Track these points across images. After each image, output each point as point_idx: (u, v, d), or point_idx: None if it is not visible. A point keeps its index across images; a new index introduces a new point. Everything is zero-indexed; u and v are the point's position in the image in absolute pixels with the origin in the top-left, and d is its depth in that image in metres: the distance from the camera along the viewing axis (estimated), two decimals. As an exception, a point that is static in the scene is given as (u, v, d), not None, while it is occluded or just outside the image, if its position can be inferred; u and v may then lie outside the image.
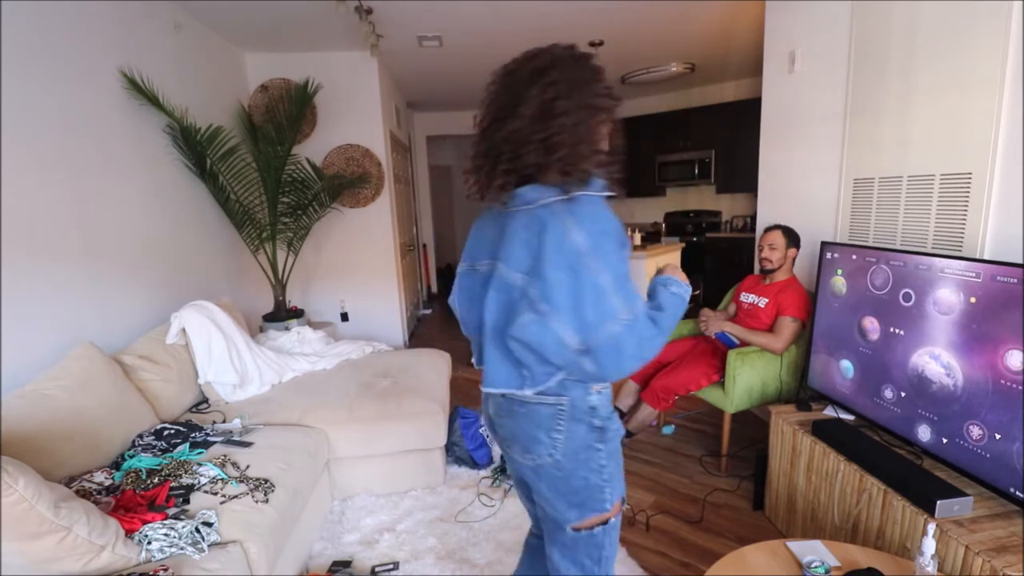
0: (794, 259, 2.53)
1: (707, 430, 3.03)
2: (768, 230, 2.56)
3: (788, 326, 2.42)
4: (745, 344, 2.51)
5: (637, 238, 4.43)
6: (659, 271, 1.16)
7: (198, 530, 1.47)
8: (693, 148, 5.68)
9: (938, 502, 1.46)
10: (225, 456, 1.89)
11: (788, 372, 2.49)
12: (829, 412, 2.10)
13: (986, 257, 1.79)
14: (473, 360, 1.22)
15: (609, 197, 1.03)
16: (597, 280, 0.95)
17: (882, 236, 2.22)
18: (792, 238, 2.51)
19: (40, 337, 1.94)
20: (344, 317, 4.51)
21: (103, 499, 1.55)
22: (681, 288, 1.11)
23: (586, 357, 0.97)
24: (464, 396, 3.45)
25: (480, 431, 2.68)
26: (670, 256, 4.44)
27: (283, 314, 3.61)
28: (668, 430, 3.03)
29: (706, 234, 5.61)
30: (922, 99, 2.02)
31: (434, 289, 7.42)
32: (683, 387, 2.55)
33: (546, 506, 1.17)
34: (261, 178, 3.40)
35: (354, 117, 4.19)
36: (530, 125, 0.99)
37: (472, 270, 1.18)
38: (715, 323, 2.64)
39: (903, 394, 1.80)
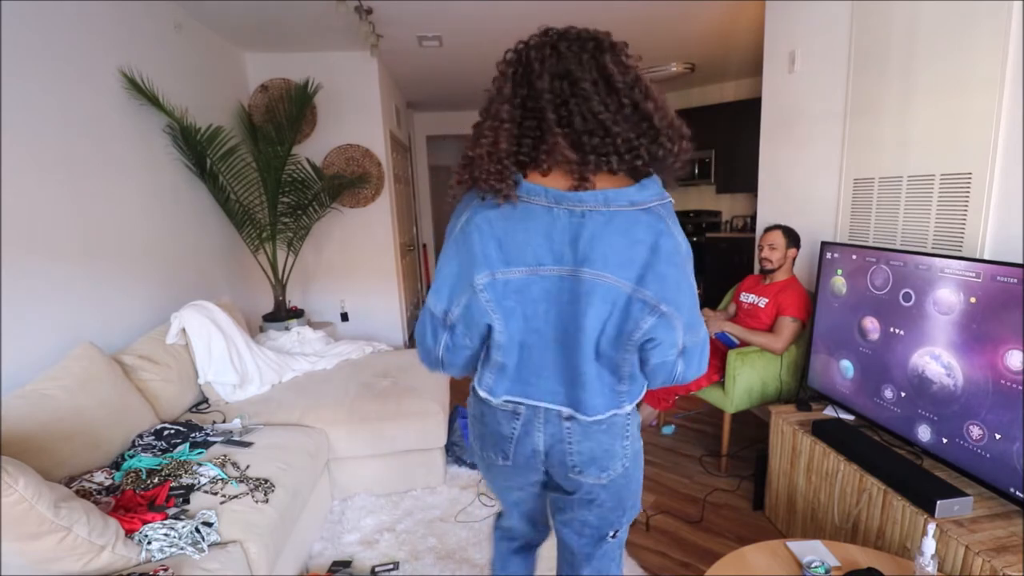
0: (794, 259, 2.53)
1: (707, 430, 3.03)
2: (768, 230, 2.56)
3: (788, 326, 2.42)
4: (745, 344, 2.51)
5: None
6: None
7: (198, 530, 1.47)
8: (693, 148, 5.66)
9: (938, 502, 1.46)
10: (225, 456, 1.89)
11: (788, 372, 2.49)
12: (829, 412, 2.10)
13: (986, 257, 1.79)
14: (488, 382, 1.04)
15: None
16: (693, 283, 0.96)
17: (882, 236, 2.22)
18: (792, 238, 2.51)
19: (40, 337, 1.94)
20: (344, 317, 4.51)
21: (103, 499, 1.55)
22: None
23: (680, 359, 0.98)
24: (464, 396, 3.44)
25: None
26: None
27: (283, 314, 3.61)
28: (668, 430, 3.03)
29: (706, 234, 5.60)
30: (922, 99, 2.02)
31: (434, 289, 7.40)
32: (683, 387, 2.56)
33: (598, 521, 1.11)
34: (261, 178, 3.40)
35: (354, 117, 4.18)
36: (658, 112, 0.94)
37: (494, 280, 0.95)
38: (715, 323, 2.64)
39: (903, 394, 1.80)
